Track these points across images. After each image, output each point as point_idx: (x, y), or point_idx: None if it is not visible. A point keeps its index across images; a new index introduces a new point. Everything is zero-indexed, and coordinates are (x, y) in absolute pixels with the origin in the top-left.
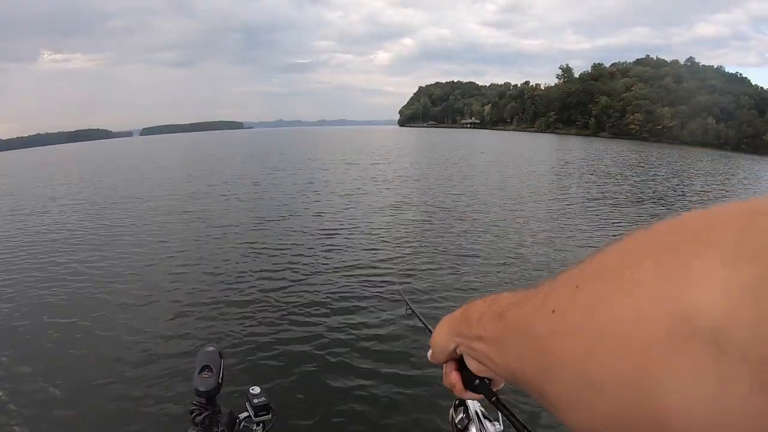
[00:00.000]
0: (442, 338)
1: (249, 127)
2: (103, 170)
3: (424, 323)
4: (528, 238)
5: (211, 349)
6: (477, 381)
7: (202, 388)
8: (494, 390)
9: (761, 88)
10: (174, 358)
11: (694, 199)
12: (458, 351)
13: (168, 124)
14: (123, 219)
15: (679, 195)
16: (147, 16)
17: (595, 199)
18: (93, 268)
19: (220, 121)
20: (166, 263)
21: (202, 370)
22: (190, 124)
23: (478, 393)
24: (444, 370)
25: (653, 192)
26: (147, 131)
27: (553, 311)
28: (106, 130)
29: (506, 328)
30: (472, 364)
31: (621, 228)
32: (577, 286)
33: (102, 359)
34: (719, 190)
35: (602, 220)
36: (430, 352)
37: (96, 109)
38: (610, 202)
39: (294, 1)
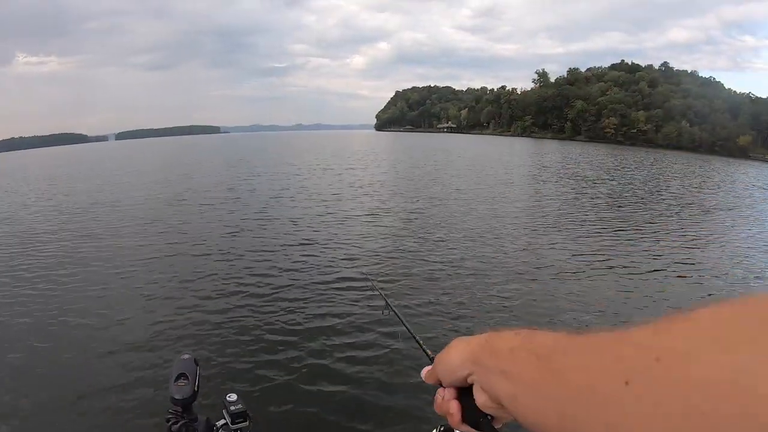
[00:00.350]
0: (456, 361)
1: (225, 132)
2: (77, 176)
3: (407, 328)
4: (508, 245)
5: (186, 356)
6: (481, 417)
7: (177, 396)
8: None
9: (734, 91)
10: (149, 367)
11: (673, 203)
12: (469, 379)
13: (144, 128)
14: (94, 227)
15: (659, 198)
16: (123, 18)
17: (574, 205)
18: (64, 276)
19: (196, 126)
20: (140, 272)
21: (177, 378)
22: (166, 128)
23: (479, 430)
24: (439, 394)
25: (632, 195)
26: (122, 135)
27: (627, 383)
28: (81, 134)
29: (554, 375)
30: (480, 398)
31: (603, 234)
32: (657, 359)
33: (75, 370)
34: (696, 193)
35: (583, 226)
36: (427, 370)
37: (71, 113)
38: (590, 206)
39: (270, 4)
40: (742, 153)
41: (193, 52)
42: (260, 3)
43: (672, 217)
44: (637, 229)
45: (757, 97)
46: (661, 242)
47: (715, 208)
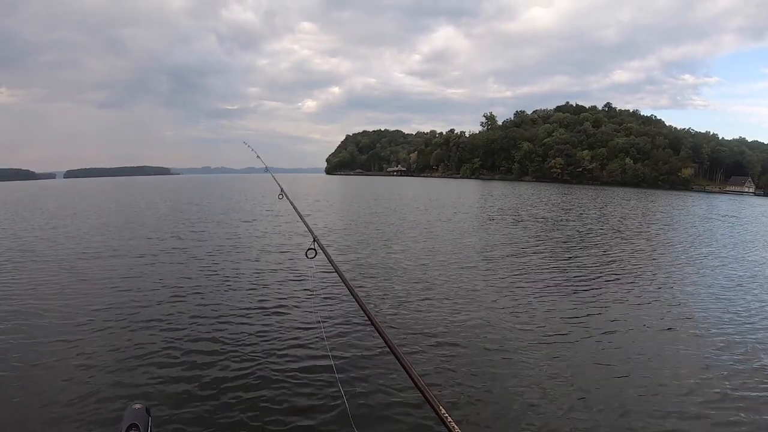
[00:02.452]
0: None
1: (176, 173)
2: (16, 216)
3: None
4: (487, 303)
5: (138, 406)
6: None
7: None
8: None
9: (675, 128)
10: (97, 418)
11: (646, 243)
12: None
13: (93, 167)
14: (16, 278)
15: (625, 237)
16: (77, 51)
17: (547, 252)
18: None
19: (147, 167)
20: (83, 323)
21: (128, 429)
22: (117, 168)
23: None
24: None
25: (597, 235)
26: (71, 174)
27: None
28: (28, 171)
29: None
30: None
31: (583, 283)
32: None
33: (17, 424)
34: (659, 226)
35: (561, 276)
36: None
37: (19, 148)
38: (561, 251)
39: (224, 46)
40: (684, 185)
41: (147, 91)
42: (215, 44)
43: (649, 258)
44: (615, 275)
45: (696, 131)
46: (649, 288)
47: (689, 246)
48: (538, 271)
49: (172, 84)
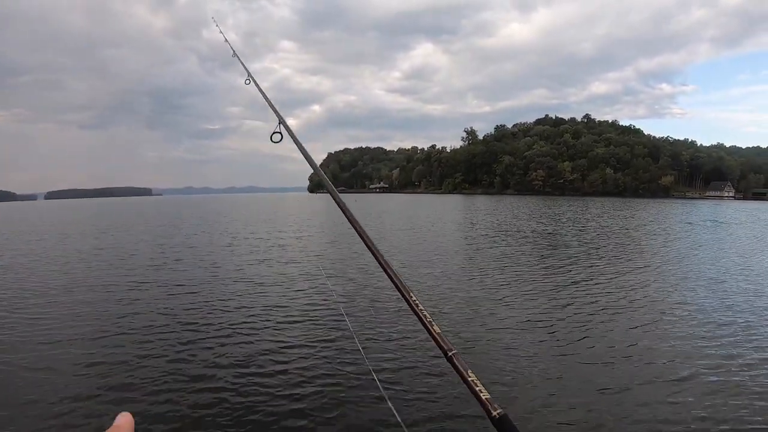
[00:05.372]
0: None
1: (158, 194)
2: None
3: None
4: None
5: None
6: None
7: None
8: None
9: (653, 136)
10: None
11: (662, 251)
12: None
13: (74, 188)
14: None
15: (631, 250)
16: (59, 73)
17: (559, 267)
18: None
19: (128, 187)
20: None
21: None
22: (98, 189)
23: None
24: None
25: (606, 248)
26: (52, 195)
27: None
28: (9, 192)
29: None
30: None
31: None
32: None
33: None
34: (664, 236)
35: (579, 288)
36: None
37: (0, 169)
38: (577, 269)
39: (205, 66)
40: (664, 192)
41: (128, 112)
42: (196, 65)
43: (667, 266)
44: (647, 297)
45: (675, 139)
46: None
47: (701, 257)
48: (553, 290)
49: (154, 105)
